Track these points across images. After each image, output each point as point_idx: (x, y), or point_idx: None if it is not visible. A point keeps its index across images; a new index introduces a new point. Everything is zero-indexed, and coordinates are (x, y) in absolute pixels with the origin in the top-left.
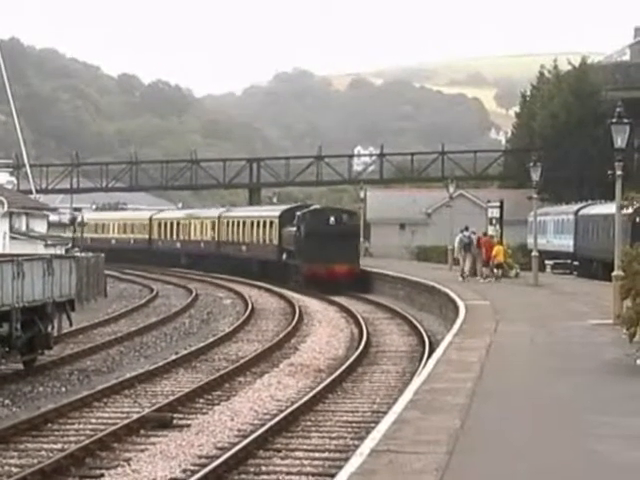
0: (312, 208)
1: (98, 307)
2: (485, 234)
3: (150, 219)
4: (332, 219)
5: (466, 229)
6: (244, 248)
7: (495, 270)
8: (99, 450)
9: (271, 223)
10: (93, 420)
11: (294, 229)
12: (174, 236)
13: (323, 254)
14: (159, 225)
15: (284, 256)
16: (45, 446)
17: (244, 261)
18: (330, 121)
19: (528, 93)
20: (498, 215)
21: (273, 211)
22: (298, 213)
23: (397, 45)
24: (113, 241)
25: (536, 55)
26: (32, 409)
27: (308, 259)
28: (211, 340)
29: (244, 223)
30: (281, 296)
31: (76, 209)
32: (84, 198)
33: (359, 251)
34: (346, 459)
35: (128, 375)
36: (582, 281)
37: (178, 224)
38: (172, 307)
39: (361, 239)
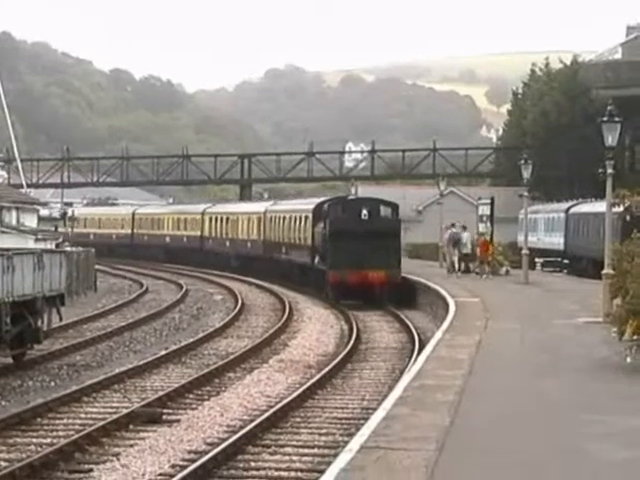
0: (340, 199)
1: (88, 302)
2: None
3: (202, 213)
4: (365, 212)
5: (453, 225)
6: (284, 249)
7: (485, 266)
8: (88, 445)
9: (305, 219)
10: (82, 415)
11: (322, 226)
12: (223, 234)
13: (353, 257)
14: (210, 221)
15: (316, 260)
16: (34, 441)
17: (285, 265)
18: (321, 117)
19: (520, 91)
20: (489, 212)
21: (307, 204)
22: (324, 206)
23: (389, 42)
24: (167, 239)
25: (528, 53)
26: (21, 403)
27: (334, 263)
28: (201, 336)
29: (283, 219)
30: (271, 292)
31: (67, 204)
32: (75, 193)
33: (400, 254)
34: (335, 455)
35: (117, 370)
36: (572, 279)
37: (227, 220)
38: (162, 302)
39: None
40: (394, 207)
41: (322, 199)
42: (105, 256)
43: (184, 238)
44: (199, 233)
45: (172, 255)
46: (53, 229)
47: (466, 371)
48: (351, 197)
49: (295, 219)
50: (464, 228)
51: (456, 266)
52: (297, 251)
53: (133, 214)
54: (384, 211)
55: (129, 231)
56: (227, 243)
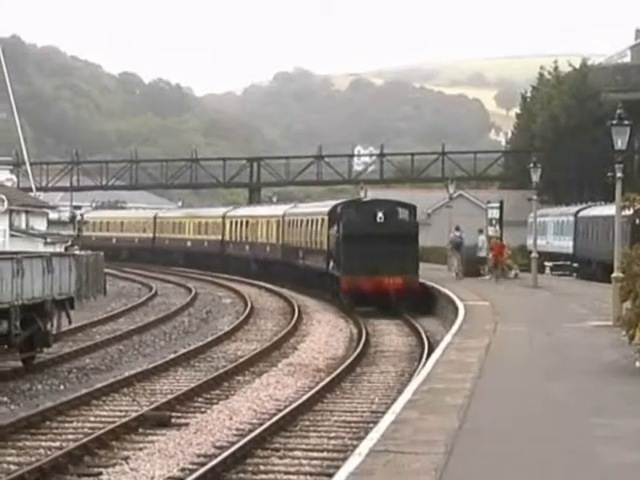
0: (354, 201)
1: (97, 305)
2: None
3: (223, 217)
4: (380, 215)
5: (457, 229)
6: (300, 254)
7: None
8: (97, 448)
9: (321, 222)
10: (92, 418)
11: (336, 229)
12: (243, 238)
13: (367, 262)
14: (231, 224)
15: (330, 265)
16: (43, 444)
17: (301, 271)
18: (330, 121)
19: (528, 94)
20: (498, 216)
21: (323, 207)
22: (338, 208)
23: (398, 45)
24: (189, 243)
25: (537, 56)
26: (31, 407)
27: (348, 269)
28: (210, 339)
29: (300, 223)
30: (280, 296)
31: (76, 207)
32: (83, 196)
33: (418, 258)
34: (344, 459)
35: (127, 373)
36: (581, 283)
37: (247, 223)
38: (171, 306)
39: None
40: (411, 209)
41: (338, 202)
42: (126, 260)
43: (205, 242)
44: (220, 237)
45: (193, 260)
46: (74, 233)
47: (475, 374)
48: (366, 199)
49: (312, 222)
50: (480, 231)
51: (458, 269)
52: (313, 256)
53: (155, 218)
54: (401, 213)
55: (151, 235)
56: (247, 247)
